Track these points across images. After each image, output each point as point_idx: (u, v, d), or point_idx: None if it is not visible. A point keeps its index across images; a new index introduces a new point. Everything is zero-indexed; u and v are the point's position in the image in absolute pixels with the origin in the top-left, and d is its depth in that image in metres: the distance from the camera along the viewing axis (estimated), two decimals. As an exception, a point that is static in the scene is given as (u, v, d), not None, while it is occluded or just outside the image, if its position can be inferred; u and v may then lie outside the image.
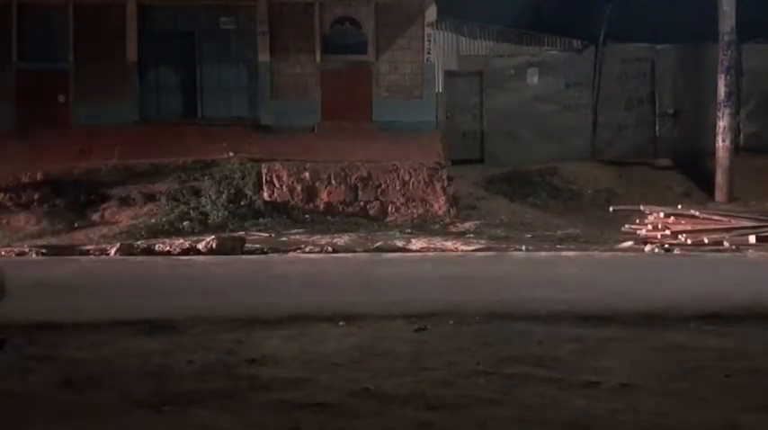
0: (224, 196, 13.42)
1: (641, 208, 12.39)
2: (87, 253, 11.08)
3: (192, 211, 12.98)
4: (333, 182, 13.77)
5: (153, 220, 12.77)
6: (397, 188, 13.86)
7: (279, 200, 13.61)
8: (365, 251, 11.30)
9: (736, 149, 15.47)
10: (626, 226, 12.61)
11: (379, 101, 15.35)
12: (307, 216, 13.38)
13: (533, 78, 16.38)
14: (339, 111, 15.01)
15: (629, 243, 11.94)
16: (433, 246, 11.72)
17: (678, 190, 15.31)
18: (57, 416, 4.04)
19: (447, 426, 3.88)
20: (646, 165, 15.95)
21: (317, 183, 13.75)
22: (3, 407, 4.17)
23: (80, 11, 14.92)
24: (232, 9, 15.29)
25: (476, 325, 5.94)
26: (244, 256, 10.83)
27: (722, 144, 15.27)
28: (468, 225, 13.47)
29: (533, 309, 6.37)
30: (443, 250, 11.42)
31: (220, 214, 13.02)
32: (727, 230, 11.43)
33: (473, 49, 16.35)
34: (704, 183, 15.41)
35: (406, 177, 13.94)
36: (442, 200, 13.91)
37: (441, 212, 13.74)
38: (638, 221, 12.47)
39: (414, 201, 13.78)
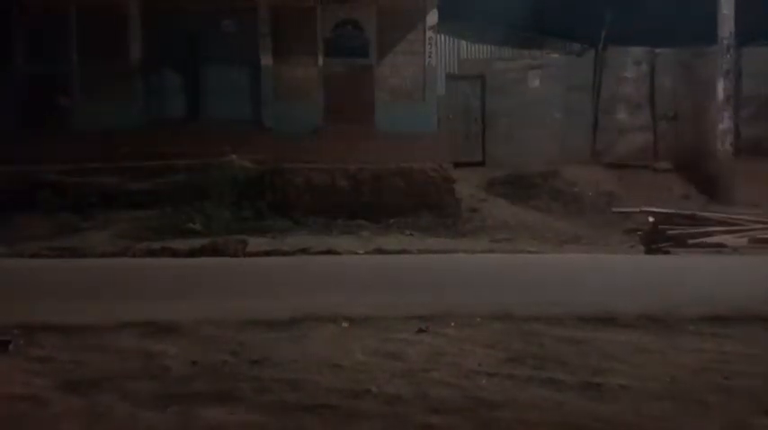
0: (226, 198, 13.44)
1: (642, 210, 12.41)
2: (91, 255, 11.10)
3: (194, 213, 13.00)
4: (335, 184, 13.79)
5: (156, 222, 12.79)
6: (399, 190, 13.88)
7: (281, 202, 13.63)
8: (366, 253, 11.32)
9: (735, 152, 15.49)
10: (627, 228, 12.66)
11: (380, 104, 15.37)
12: (309, 218, 13.40)
13: (534, 81, 16.42)
14: (341, 113, 15.04)
15: (630, 244, 11.97)
16: (434, 247, 11.75)
17: (678, 193, 15.32)
18: (60, 417, 4.07)
19: (449, 428, 3.90)
20: (646, 167, 15.98)
21: (319, 186, 13.77)
22: (6, 410, 4.19)
23: (83, 13, 14.95)
24: (235, 12, 15.32)
25: (478, 326, 5.97)
26: (245, 259, 10.86)
27: (722, 147, 15.31)
28: (469, 227, 13.50)
29: (535, 310, 6.39)
30: (445, 252, 11.44)
31: (223, 216, 13.04)
32: (728, 232, 11.45)
33: (474, 52, 16.40)
34: (704, 186, 15.42)
35: (408, 180, 13.96)
36: (444, 202, 13.92)
37: (442, 215, 13.75)
38: (638, 224, 12.51)
39: (415, 203, 13.79)
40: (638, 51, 16.44)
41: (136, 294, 7.54)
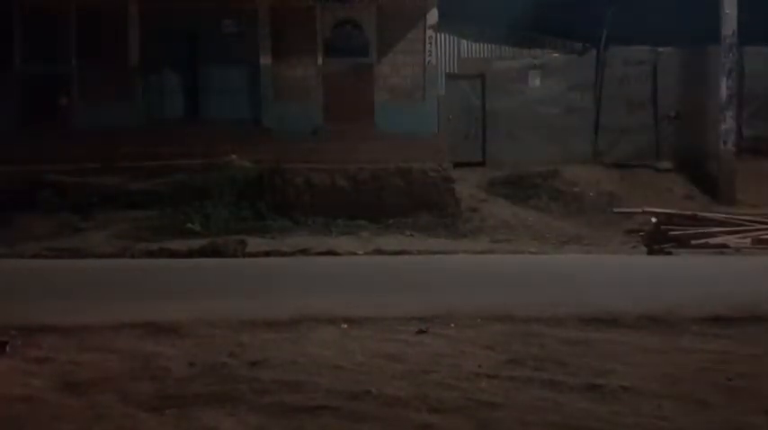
0: (226, 198, 13.41)
1: (644, 210, 12.39)
2: (91, 255, 11.09)
3: (194, 213, 12.97)
4: (334, 184, 13.76)
5: (156, 222, 12.77)
6: (399, 190, 13.84)
7: (280, 202, 13.60)
8: (366, 253, 11.31)
9: (737, 152, 15.45)
10: (628, 228, 12.65)
11: (380, 103, 15.34)
12: (309, 218, 13.37)
13: (535, 81, 16.37)
14: (341, 113, 15.01)
15: (632, 245, 11.95)
16: (434, 248, 11.72)
17: (680, 193, 15.29)
18: (58, 418, 4.04)
19: (449, 429, 3.88)
20: (647, 167, 15.94)
21: (318, 186, 13.75)
22: (4, 411, 4.17)
23: (82, 14, 14.93)
24: (234, 12, 15.29)
25: (478, 327, 5.95)
26: (244, 259, 10.85)
27: (724, 147, 15.26)
28: (469, 227, 13.46)
29: (536, 311, 6.36)
30: (445, 252, 11.42)
31: (222, 216, 13.02)
32: (731, 233, 11.42)
33: (475, 51, 16.35)
34: (706, 186, 15.39)
35: (408, 180, 13.92)
36: (444, 202, 13.89)
37: (442, 215, 13.72)
38: (639, 224, 12.50)
39: (415, 203, 13.76)
40: (639, 50, 16.40)
41: (135, 295, 7.52)
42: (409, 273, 9.32)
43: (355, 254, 11.29)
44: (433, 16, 15.30)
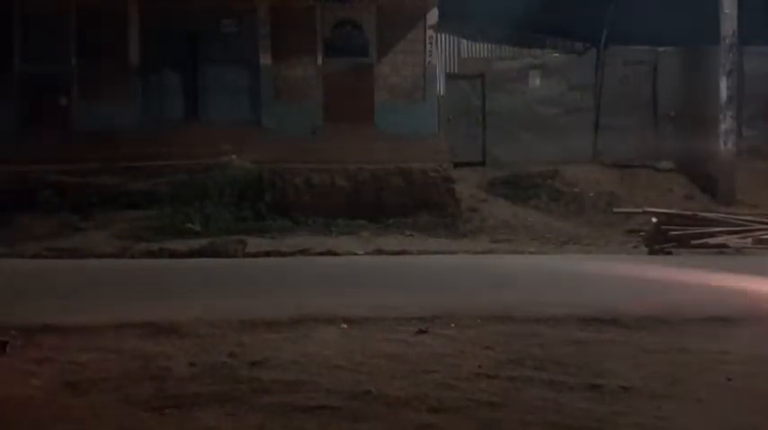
0: (225, 198, 13.41)
1: (644, 210, 12.39)
2: (91, 255, 11.09)
3: (194, 213, 12.97)
4: (334, 184, 13.76)
5: (156, 222, 12.77)
6: (399, 190, 13.84)
7: (280, 202, 13.60)
8: (366, 253, 11.31)
9: (737, 152, 15.45)
10: (628, 228, 12.66)
11: (380, 103, 15.34)
12: (309, 218, 13.37)
13: (535, 81, 16.38)
14: (341, 113, 15.01)
15: (633, 245, 11.96)
16: (434, 248, 11.73)
17: (680, 193, 15.29)
18: (58, 418, 4.04)
19: (448, 429, 3.88)
20: (647, 167, 15.94)
21: (318, 186, 13.75)
22: (4, 410, 4.17)
23: (82, 14, 14.93)
24: (234, 12, 15.29)
25: (478, 327, 5.95)
26: (244, 259, 10.85)
27: (724, 147, 15.26)
28: (469, 227, 13.47)
29: (536, 311, 6.36)
30: (445, 252, 11.42)
31: (222, 216, 13.02)
32: (731, 233, 11.42)
33: (475, 51, 16.36)
34: (706, 186, 15.39)
35: (408, 180, 13.92)
36: (444, 202, 13.89)
37: (442, 215, 13.72)
38: (639, 224, 12.51)
39: (415, 203, 13.76)
40: (639, 50, 16.40)
41: (135, 295, 7.52)
42: (409, 273, 9.32)
43: (355, 254, 11.29)
44: (433, 16, 15.30)
